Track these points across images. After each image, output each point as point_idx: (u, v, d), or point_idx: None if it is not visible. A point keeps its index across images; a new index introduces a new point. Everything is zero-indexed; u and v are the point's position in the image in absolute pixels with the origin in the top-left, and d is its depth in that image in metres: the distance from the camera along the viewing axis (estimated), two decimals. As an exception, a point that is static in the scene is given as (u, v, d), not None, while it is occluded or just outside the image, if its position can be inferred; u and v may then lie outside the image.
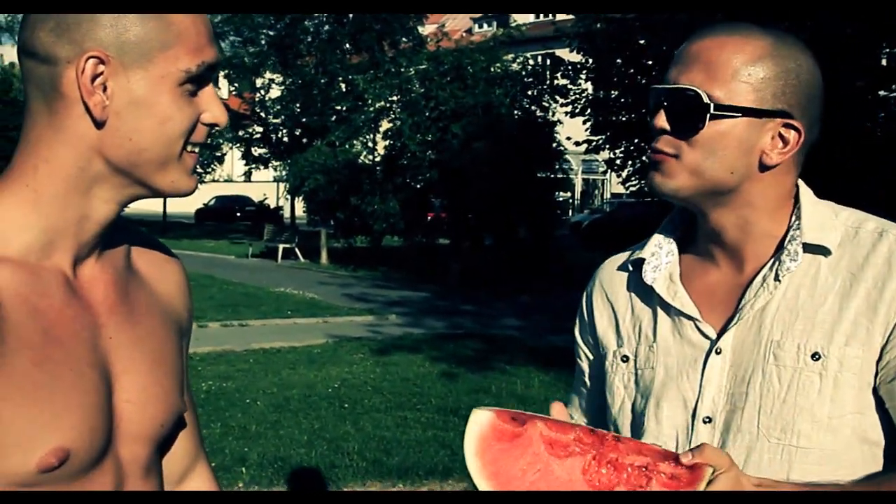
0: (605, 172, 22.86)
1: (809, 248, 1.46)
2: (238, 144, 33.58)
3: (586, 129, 18.75)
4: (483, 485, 1.24)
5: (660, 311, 1.57)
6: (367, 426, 7.64)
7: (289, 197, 33.58)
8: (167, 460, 1.44)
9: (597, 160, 29.97)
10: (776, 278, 1.46)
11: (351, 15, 28.64)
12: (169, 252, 1.46)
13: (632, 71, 17.71)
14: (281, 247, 26.47)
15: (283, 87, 30.84)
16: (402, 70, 23.58)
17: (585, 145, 19.01)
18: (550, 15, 35.47)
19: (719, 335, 1.50)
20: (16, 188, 1.20)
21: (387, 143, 23.55)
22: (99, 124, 1.20)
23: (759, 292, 1.47)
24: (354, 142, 26.01)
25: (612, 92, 18.33)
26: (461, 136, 20.52)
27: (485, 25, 46.56)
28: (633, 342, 1.60)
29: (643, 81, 17.46)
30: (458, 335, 12.93)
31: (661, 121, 1.47)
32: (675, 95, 1.46)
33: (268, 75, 31.80)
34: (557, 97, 22.21)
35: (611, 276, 1.69)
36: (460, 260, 21.74)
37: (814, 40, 13.09)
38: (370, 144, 25.96)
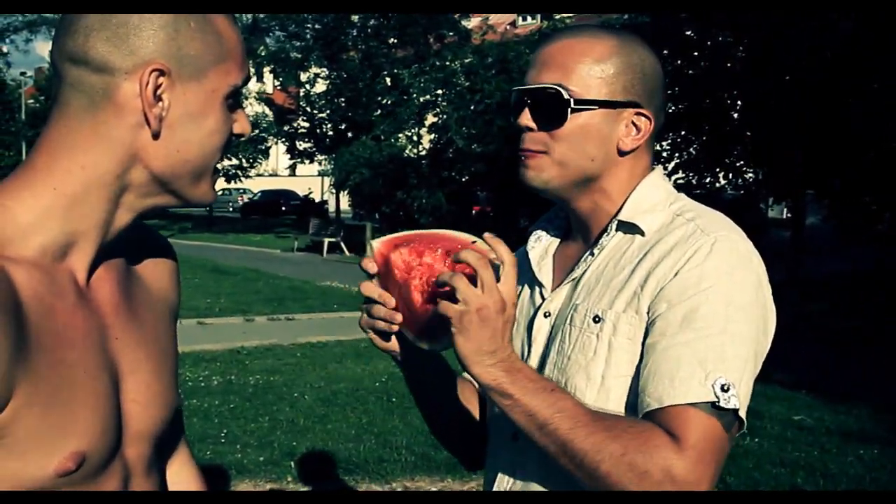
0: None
1: (623, 226, 1.61)
2: (283, 139, 33.79)
3: (632, 122, 18.57)
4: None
5: (531, 275, 1.75)
6: (414, 420, 7.62)
7: (334, 191, 33.77)
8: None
9: (643, 153, 29.65)
10: (591, 252, 1.62)
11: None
12: (159, 238, 1.47)
13: (678, 62, 17.53)
14: (326, 241, 26.60)
15: (328, 82, 30.95)
16: (448, 64, 23.56)
17: (631, 138, 18.85)
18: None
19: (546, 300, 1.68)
20: (39, 190, 1.19)
21: (432, 136, 23.55)
22: (154, 135, 1.21)
23: (580, 264, 1.63)
24: (399, 136, 26.05)
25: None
26: (507, 128, 20.48)
27: (528, 18, 46.42)
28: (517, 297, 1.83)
29: (690, 73, 17.28)
30: (505, 329, 12.87)
31: (526, 119, 1.60)
32: (537, 94, 1.60)
33: (313, 69, 31.94)
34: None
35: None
36: (505, 253, 21.68)
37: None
38: (415, 138, 25.97)
